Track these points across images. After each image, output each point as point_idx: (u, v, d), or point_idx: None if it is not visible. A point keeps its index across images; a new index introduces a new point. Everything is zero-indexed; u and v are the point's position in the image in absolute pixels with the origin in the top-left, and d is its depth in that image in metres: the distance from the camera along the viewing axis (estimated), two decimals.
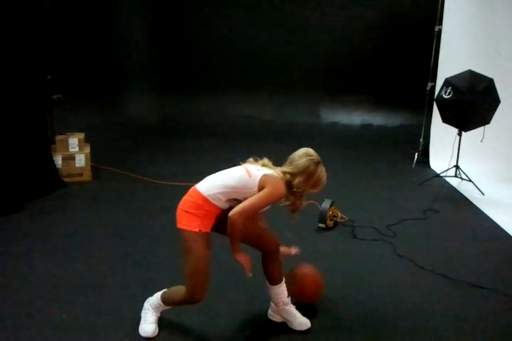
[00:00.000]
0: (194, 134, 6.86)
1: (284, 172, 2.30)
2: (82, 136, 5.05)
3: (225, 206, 2.28)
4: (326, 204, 3.87)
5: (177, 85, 7.52)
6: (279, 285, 2.52)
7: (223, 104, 7.45)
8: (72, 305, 2.73)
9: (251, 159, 2.40)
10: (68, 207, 4.27)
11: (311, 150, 2.36)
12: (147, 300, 2.54)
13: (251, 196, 2.20)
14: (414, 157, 5.81)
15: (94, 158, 5.12)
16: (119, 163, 5.46)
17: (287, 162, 2.35)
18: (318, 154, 2.39)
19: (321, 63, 7.24)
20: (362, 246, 3.61)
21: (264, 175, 2.24)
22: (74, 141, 4.94)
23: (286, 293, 2.56)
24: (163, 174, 5.09)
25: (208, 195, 2.24)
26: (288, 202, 2.38)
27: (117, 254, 3.36)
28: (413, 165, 5.76)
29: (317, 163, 2.32)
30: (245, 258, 2.26)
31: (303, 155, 2.32)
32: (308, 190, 2.34)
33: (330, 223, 3.88)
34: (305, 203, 2.42)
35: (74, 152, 4.93)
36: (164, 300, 2.44)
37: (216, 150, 6.21)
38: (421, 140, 5.98)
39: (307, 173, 2.29)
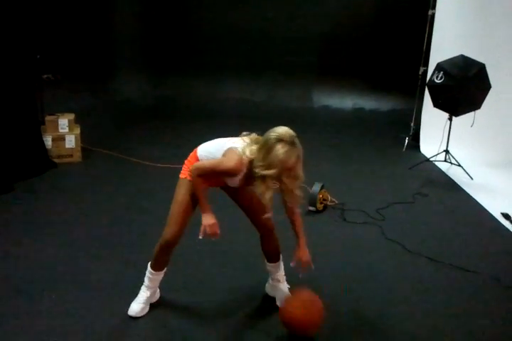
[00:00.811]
0: (185, 116, 6.80)
1: (254, 149, 2.16)
2: (72, 116, 4.99)
3: None
4: (316, 187, 3.87)
5: (168, 67, 7.42)
6: (276, 264, 2.58)
7: (215, 87, 7.37)
8: (60, 285, 2.72)
9: (245, 133, 2.32)
10: (58, 187, 4.23)
11: (283, 128, 2.12)
12: None
13: None
14: (405, 141, 5.82)
15: (84, 139, 5.07)
16: (109, 145, 5.41)
17: None
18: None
19: (314, 46, 7.16)
20: (351, 229, 3.64)
21: (229, 148, 2.21)
22: (64, 122, 4.88)
23: (282, 271, 2.62)
24: (153, 156, 5.06)
25: (200, 155, 2.36)
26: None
27: (107, 235, 3.36)
28: (403, 150, 5.76)
29: (278, 140, 2.04)
30: (208, 221, 2.28)
31: (271, 130, 2.12)
32: (263, 171, 2.06)
33: (320, 206, 3.89)
34: (268, 192, 2.13)
35: (64, 133, 4.87)
36: (151, 264, 2.48)
37: (207, 132, 6.10)
38: (412, 124, 5.98)
39: (265, 149, 2.06)
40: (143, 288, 2.52)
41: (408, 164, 5.17)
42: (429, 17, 5.67)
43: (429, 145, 5.55)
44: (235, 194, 2.50)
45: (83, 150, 5.01)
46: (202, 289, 2.75)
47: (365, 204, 4.07)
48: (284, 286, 2.63)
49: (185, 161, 2.43)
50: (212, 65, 7.33)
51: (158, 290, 2.60)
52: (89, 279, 2.80)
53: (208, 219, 2.29)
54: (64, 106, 5.41)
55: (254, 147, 2.16)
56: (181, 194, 2.34)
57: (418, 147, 5.82)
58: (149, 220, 3.60)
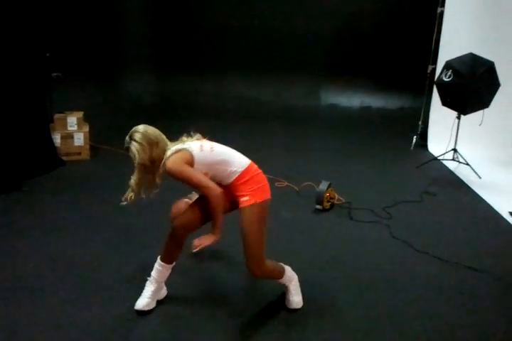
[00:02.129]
0: (192, 114, 6.81)
1: None
2: (80, 114, 5.02)
3: None
4: (323, 186, 3.87)
5: (175, 65, 7.43)
6: (281, 279, 2.58)
7: (222, 85, 7.38)
8: (69, 281, 2.74)
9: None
10: (66, 185, 4.26)
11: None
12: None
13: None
14: (413, 140, 5.80)
15: (92, 137, 5.10)
16: (117, 143, 5.36)
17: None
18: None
19: (322, 44, 7.15)
20: (358, 227, 3.63)
21: None
22: (72, 120, 4.91)
23: (289, 279, 2.61)
24: None
25: None
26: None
27: (115, 233, 3.38)
28: (411, 148, 5.74)
29: None
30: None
31: None
32: None
33: (327, 205, 3.89)
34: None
35: (72, 131, 4.90)
36: (161, 255, 2.50)
37: (214, 131, 6.12)
38: (420, 123, 5.96)
39: None
40: (148, 282, 2.54)
41: (416, 163, 5.15)
42: (438, 15, 5.64)
43: (437, 144, 5.53)
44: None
45: (91, 148, 5.04)
46: (210, 287, 2.76)
47: (372, 202, 4.06)
48: (293, 284, 2.61)
49: None
50: (219, 64, 7.34)
51: (164, 287, 2.61)
52: (99, 276, 2.81)
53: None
54: (73, 104, 5.44)
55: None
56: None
57: (426, 146, 5.79)
58: (157, 218, 3.62)
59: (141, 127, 2.42)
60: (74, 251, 3.10)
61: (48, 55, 4.94)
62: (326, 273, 2.97)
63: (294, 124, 6.62)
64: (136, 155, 2.33)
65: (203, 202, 2.36)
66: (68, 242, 3.21)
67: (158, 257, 2.51)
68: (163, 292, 2.62)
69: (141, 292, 2.54)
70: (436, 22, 5.66)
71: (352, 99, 7.17)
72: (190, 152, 2.33)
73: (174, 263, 2.53)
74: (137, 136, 2.36)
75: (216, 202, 2.28)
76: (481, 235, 3.58)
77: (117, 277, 2.81)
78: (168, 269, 2.52)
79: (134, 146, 2.34)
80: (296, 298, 2.58)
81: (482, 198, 4.29)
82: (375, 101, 7.12)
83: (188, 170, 2.29)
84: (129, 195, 2.42)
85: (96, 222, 3.54)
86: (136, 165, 2.36)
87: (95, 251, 3.11)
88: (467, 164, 4.94)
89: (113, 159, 4.99)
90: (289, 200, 4.05)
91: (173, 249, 2.47)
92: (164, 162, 2.33)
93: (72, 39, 6.40)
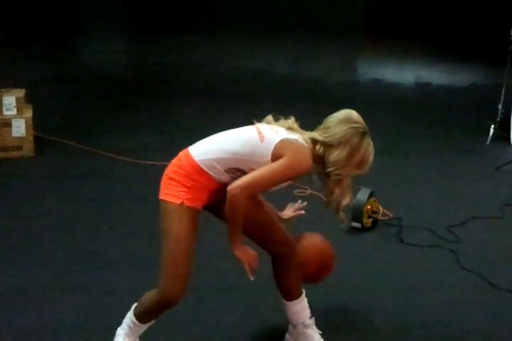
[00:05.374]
0: (179, 93, 6.84)
1: (315, 141, 2.32)
2: (21, 93, 5.05)
3: (223, 178, 2.30)
4: (362, 195, 3.86)
5: (155, 24, 7.48)
6: (298, 300, 2.57)
7: (220, 51, 7.43)
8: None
9: (269, 117, 2.44)
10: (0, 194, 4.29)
11: (354, 114, 2.37)
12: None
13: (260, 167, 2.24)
14: (490, 130, 5.78)
15: (38, 124, 5.12)
16: (72, 133, 5.45)
17: (321, 127, 2.38)
18: None
19: None
20: (412, 254, 3.62)
21: (284, 140, 2.26)
22: (10, 101, 4.93)
23: (307, 310, 2.60)
24: (134, 149, 5.09)
25: (201, 160, 2.29)
26: (320, 188, 2.41)
27: (65, 259, 3.40)
28: (487, 142, 5.73)
29: (363, 134, 2.33)
30: (248, 256, 2.30)
31: (344, 120, 2.33)
32: (349, 171, 2.34)
33: (368, 221, 3.89)
34: (349, 194, 2.40)
35: (10, 116, 4.93)
36: (137, 313, 2.46)
37: (210, 116, 6.19)
38: (500, 106, 5.93)
39: (350, 147, 2.30)
40: (121, 334, 2.51)
41: (494, 163, 5.15)
42: None
43: None
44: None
45: (36, 140, 5.06)
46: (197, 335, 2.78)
47: (431, 219, 4.06)
48: (315, 332, 2.62)
49: (168, 172, 2.37)
50: (216, 22, 7.37)
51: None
52: (44, 319, 2.84)
53: (247, 253, 2.33)
54: (10, 78, 5.47)
55: (308, 136, 2.35)
56: (179, 228, 2.28)
57: (508, 139, 5.78)
58: (122, 239, 3.63)
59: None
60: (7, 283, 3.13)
61: None
62: (370, 316, 2.97)
63: (320, 107, 6.58)
64: None
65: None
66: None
67: (133, 314, 2.46)
68: None
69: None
70: None
71: (403, 73, 7.18)
72: None
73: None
74: None
75: None
76: None
77: (72, 322, 2.83)
78: (146, 327, 2.51)
79: None
80: (317, 336, 2.61)
81: None
82: (436, 75, 7.12)
83: None
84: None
85: (40, 242, 3.56)
86: None
87: (39, 282, 3.13)
88: None
89: (66, 156, 5.02)
90: (314, 215, 4.04)
91: (159, 314, 2.45)
92: None
93: None
